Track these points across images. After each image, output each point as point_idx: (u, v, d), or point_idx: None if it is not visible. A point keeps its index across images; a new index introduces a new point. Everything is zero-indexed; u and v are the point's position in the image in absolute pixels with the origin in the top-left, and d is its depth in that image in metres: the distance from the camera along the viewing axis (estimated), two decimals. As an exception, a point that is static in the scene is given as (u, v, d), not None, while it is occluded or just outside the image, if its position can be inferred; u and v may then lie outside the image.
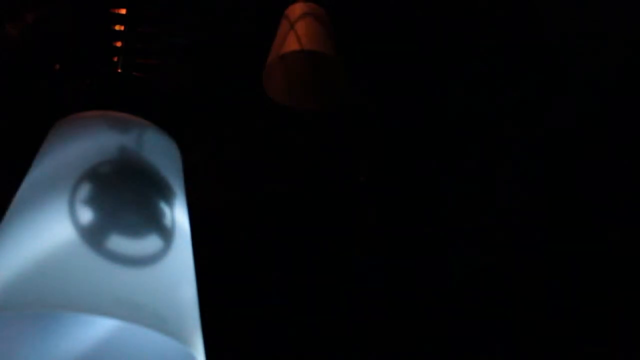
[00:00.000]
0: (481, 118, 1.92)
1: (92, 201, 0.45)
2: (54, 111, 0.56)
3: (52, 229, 0.43)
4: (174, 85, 1.79)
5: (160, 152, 0.54)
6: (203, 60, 1.79)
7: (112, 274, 0.41)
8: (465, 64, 1.84)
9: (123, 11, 1.53)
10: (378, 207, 2.11)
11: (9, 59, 1.47)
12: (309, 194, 2.11)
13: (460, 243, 2.04)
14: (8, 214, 0.47)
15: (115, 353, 0.50)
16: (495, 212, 2.00)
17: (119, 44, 1.57)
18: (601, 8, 1.59)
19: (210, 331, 0.65)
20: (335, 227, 2.13)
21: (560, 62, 1.76)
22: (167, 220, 0.48)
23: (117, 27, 1.56)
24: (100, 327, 0.51)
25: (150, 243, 0.45)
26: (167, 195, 0.50)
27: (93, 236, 0.43)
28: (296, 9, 1.32)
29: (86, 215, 0.44)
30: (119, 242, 0.43)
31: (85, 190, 0.46)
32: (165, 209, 0.49)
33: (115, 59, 1.59)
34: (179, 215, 0.51)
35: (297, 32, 1.25)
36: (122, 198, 0.47)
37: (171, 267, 0.46)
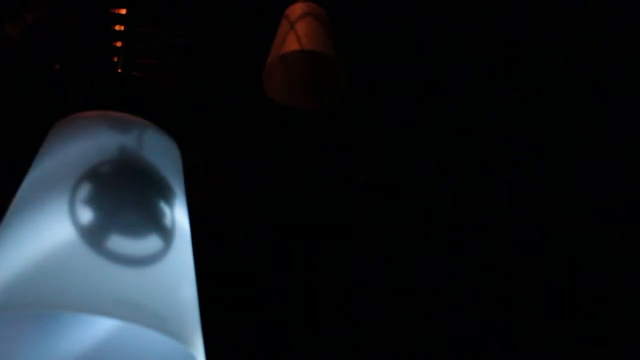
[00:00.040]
0: (481, 118, 1.92)
1: (92, 201, 0.45)
2: (54, 111, 0.56)
3: (52, 229, 0.43)
4: (174, 85, 1.79)
5: (160, 152, 0.54)
6: (203, 60, 1.79)
7: (112, 274, 0.41)
8: (465, 64, 1.84)
9: (123, 11, 1.54)
10: (378, 207, 2.10)
11: (9, 59, 1.47)
12: (309, 194, 2.11)
13: (460, 243, 2.04)
14: (8, 214, 0.47)
15: (115, 353, 0.50)
16: (495, 212, 2.00)
17: (119, 44, 1.57)
18: (601, 8, 1.59)
19: (210, 331, 0.65)
20: (335, 227, 2.13)
21: (560, 62, 1.76)
22: (167, 220, 0.48)
23: (117, 27, 1.56)
24: (100, 327, 0.51)
25: (150, 243, 0.45)
26: (167, 195, 0.50)
27: (93, 236, 0.43)
28: (296, 9, 1.31)
29: (86, 215, 0.44)
30: (119, 242, 0.43)
31: (85, 190, 0.46)
32: (165, 209, 0.49)
33: (115, 59, 1.59)
34: (179, 215, 0.51)
35: (297, 32, 1.25)
36: (122, 198, 0.47)
37: (171, 267, 0.46)
